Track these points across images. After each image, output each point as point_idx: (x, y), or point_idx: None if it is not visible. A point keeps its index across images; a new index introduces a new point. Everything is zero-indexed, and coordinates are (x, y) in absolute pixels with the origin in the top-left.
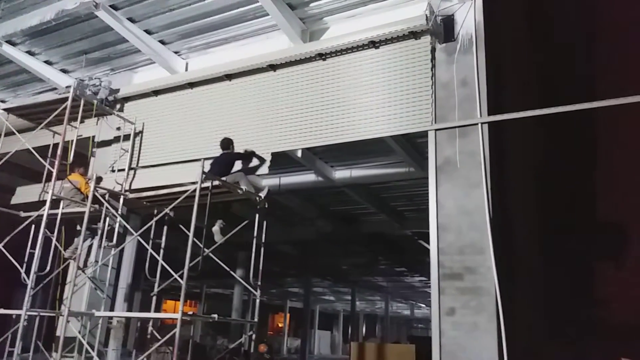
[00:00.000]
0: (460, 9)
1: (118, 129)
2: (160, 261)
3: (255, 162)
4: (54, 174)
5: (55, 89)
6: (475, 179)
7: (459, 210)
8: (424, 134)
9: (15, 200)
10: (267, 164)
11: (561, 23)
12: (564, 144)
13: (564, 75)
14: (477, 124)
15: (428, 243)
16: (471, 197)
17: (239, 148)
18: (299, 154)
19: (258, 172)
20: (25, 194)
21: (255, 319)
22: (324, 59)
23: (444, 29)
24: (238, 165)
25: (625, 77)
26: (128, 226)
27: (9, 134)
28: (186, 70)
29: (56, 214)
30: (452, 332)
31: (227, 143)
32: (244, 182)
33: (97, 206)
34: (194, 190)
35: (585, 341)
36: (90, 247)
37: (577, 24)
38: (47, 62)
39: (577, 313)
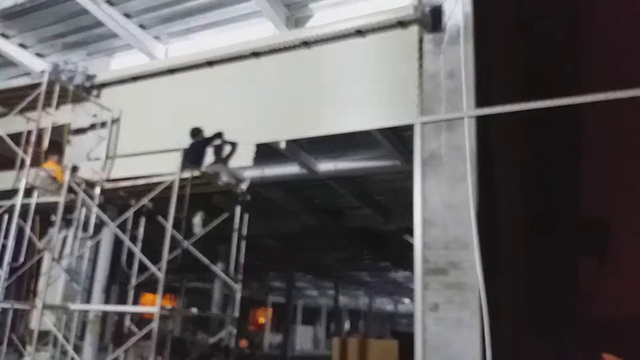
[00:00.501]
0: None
1: (94, 116)
2: (138, 253)
3: (228, 149)
4: (28, 161)
5: (29, 73)
6: (460, 173)
7: (444, 204)
8: (410, 127)
9: None
10: (252, 155)
11: (551, 18)
12: (550, 141)
13: (553, 71)
14: (463, 117)
15: (412, 238)
16: (456, 192)
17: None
18: (283, 145)
19: (241, 164)
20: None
21: (236, 314)
22: (309, 47)
23: (432, 19)
24: (210, 152)
25: (613, 73)
26: (105, 217)
27: None
28: (166, 56)
29: (29, 204)
30: (435, 328)
31: (196, 131)
32: (224, 173)
33: (72, 196)
34: (173, 181)
35: (568, 337)
36: (65, 238)
37: (567, 19)
38: (21, 46)
39: (560, 309)
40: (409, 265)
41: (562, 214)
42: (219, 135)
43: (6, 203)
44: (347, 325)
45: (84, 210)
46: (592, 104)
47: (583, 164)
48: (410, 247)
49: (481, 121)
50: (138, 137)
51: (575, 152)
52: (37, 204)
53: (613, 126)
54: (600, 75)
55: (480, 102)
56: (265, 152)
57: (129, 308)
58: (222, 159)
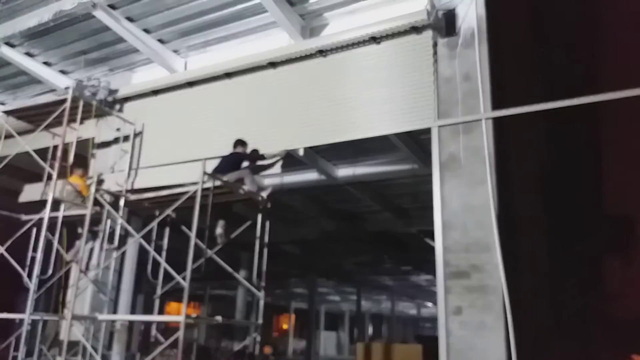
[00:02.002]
0: (461, 3)
1: (118, 129)
2: (163, 263)
3: (261, 162)
4: (54, 176)
5: (54, 90)
6: (479, 175)
7: (464, 207)
8: (427, 130)
9: (22, 198)
10: (280, 162)
11: (564, 17)
12: (569, 139)
13: (568, 70)
14: (480, 119)
15: (433, 241)
16: (476, 194)
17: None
18: (301, 152)
19: (269, 171)
20: (32, 192)
21: (260, 321)
22: (325, 56)
23: (445, 23)
24: (245, 165)
25: (628, 70)
26: (129, 228)
27: (8, 136)
28: (185, 69)
29: (57, 217)
30: (459, 332)
31: (236, 143)
32: (248, 180)
33: (98, 208)
34: (196, 191)
35: (592, 337)
36: (91, 249)
37: (581, 18)
38: (46, 64)
39: (584, 309)
40: (430, 268)
41: (585, 212)
42: (257, 153)
43: (34, 216)
44: (370, 330)
45: (109, 222)
46: (611, 102)
47: (604, 162)
48: (431, 250)
49: (498, 121)
50: (160, 148)
51: (595, 150)
52: (64, 217)
53: (634, 123)
54: (616, 73)
55: (497, 103)
56: (285, 160)
57: (154, 317)
58: (256, 167)
